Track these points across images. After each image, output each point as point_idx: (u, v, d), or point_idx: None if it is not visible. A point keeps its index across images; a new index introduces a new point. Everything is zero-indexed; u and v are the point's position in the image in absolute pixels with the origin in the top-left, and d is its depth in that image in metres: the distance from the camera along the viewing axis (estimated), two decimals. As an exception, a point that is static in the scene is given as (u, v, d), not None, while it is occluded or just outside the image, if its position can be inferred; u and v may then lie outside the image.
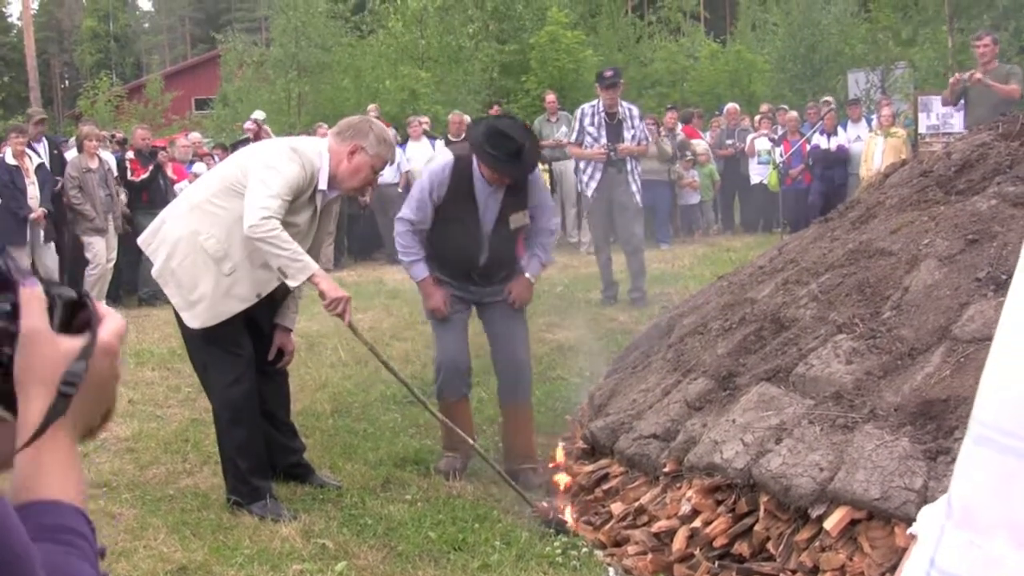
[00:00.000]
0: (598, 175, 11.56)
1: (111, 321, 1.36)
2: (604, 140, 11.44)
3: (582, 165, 11.89)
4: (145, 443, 6.76)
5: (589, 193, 11.75)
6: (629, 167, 11.61)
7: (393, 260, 16.18)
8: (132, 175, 13.83)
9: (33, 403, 1.27)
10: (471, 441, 6.14)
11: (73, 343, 1.30)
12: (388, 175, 15.51)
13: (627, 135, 11.54)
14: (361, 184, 5.76)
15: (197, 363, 5.82)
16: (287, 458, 6.09)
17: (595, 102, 11.66)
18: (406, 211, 6.22)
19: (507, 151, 5.95)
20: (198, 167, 15.19)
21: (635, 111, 11.84)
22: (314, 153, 5.51)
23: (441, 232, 6.25)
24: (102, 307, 1.36)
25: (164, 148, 15.68)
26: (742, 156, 18.89)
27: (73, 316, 1.32)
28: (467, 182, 6.08)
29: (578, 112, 11.96)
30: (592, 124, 11.50)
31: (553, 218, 6.60)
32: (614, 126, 11.53)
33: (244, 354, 5.56)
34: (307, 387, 8.05)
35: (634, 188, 11.69)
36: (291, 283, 5.34)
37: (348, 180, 5.61)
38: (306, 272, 5.34)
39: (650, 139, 12.24)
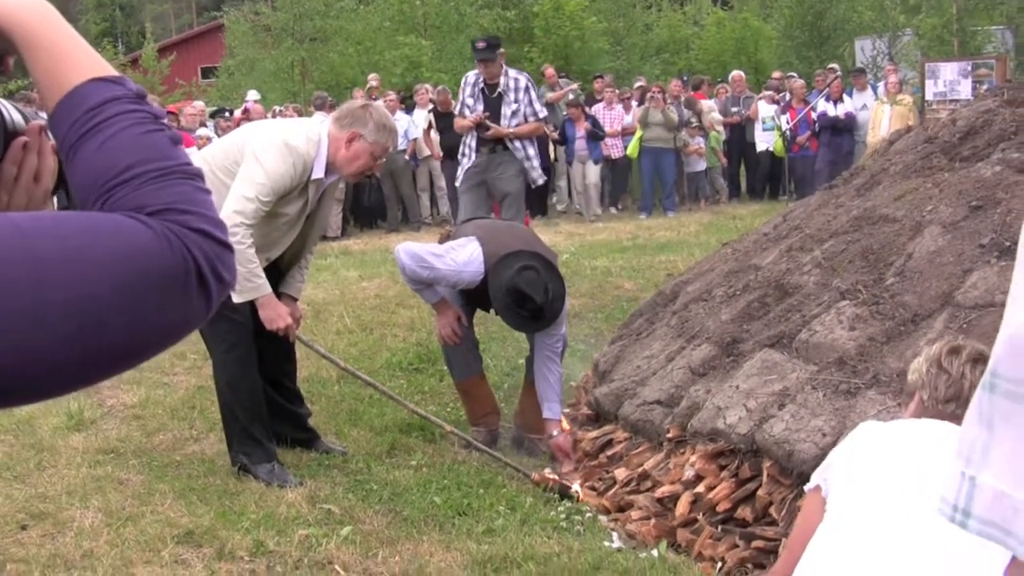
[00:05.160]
0: (473, 155, 9.84)
1: None
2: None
3: (466, 139, 9.99)
4: (152, 410, 6.79)
5: (460, 171, 10.10)
6: (518, 147, 9.76)
7: (395, 229, 16.23)
8: None
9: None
10: (447, 428, 6.21)
11: None
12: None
13: (506, 111, 9.71)
14: (360, 170, 5.70)
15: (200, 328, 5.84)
16: (294, 422, 6.13)
17: (478, 70, 9.95)
18: (423, 271, 6.09)
19: (528, 311, 6.01)
20: (201, 131, 15.19)
21: (522, 82, 9.86)
22: (310, 144, 5.46)
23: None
24: None
25: (175, 114, 15.69)
26: (748, 124, 18.84)
27: None
28: (487, 294, 6.14)
29: (463, 80, 10.35)
30: (471, 95, 9.87)
31: (559, 336, 6.39)
32: (493, 100, 9.81)
33: (242, 320, 5.56)
34: (312, 354, 8.04)
35: (512, 172, 9.76)
36: (236, 298, 5.40)
37: (346, 167, 5.58)
38: (254, 294, 5.44)
39: (541, 114, 10.06)
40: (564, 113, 17.65)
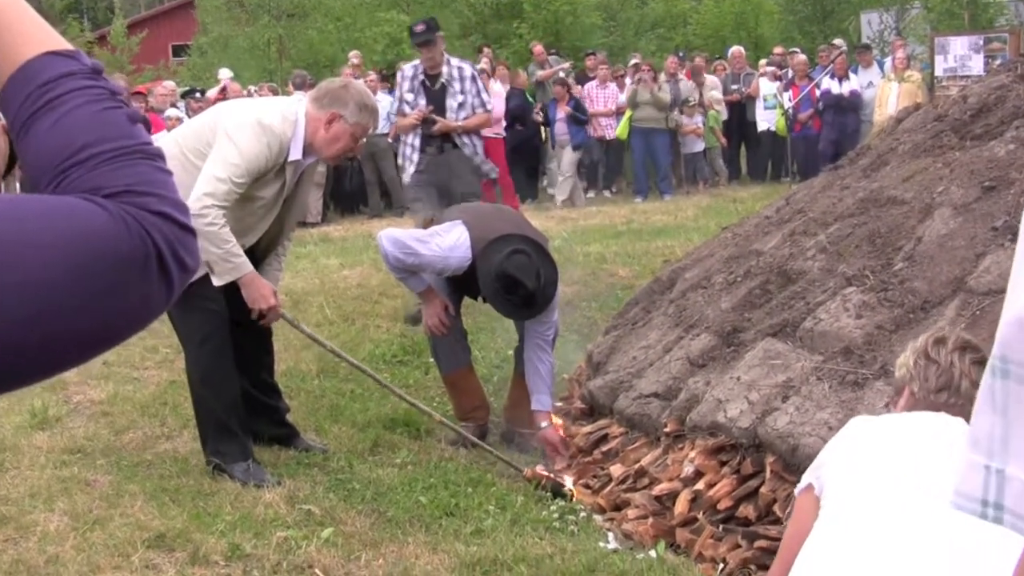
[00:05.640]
0: (415, 156, 9.26)
1: None
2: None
3: (407, 139, 9.42)
4: (121, 406, 6.76)
5: (406, 178, 9.64)
6: (467, 143, 9.22)
7: (378, 215, 16.20)
8: None
9: None
10: (437, 417, 6.22)
11: None
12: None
13: (452, 103, 9.14)
14: (340, 153, 5.69)
15: (172, 319, 5.82)
16: (271, 418, 6.11)
17: (417, 61, 9.46)
18: (407, 258, 6.05)
19: (519, 297, 6.01)
20: (171, 112, 15.12)
21: (467, 71, 9.35)
22: (286, 124, 5.43)
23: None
24: None
25: (144, 95, 15.61)
26: (748, 102, 18.83)
27: None
28: (475, 281, 6.13)
29: (399, 74, 9.97)
30: (410, 90, 9.28)
31: (551, 324, 6.39)
32: (436, 92, 9.19)
33: (217, 310, 5.53)
34: (292, 347, 8.04)
35: (467, 171, 9.19)
36: (216, 280, 5.39)
37: (326, 149, 5.56)
38: (234, 274, 5.40)
39: (489, 106, 9.53)
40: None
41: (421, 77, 9.24)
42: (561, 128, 17.19)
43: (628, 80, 18.21)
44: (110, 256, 1.14)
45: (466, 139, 9.20)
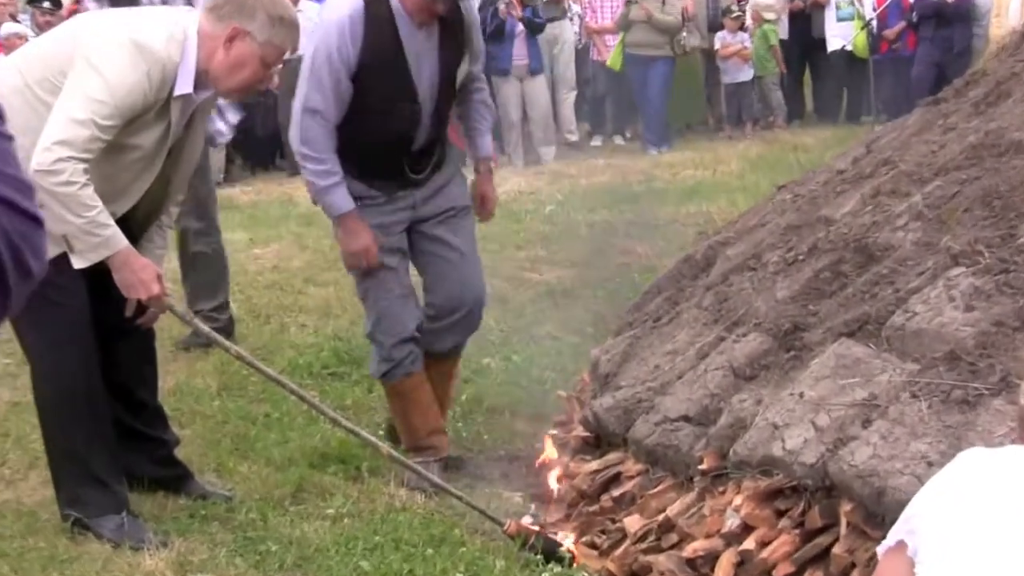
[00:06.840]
0: None
1: None
2: None
3: None
4: (-55, 439, 6.76)
5: None
6: None
7: (299, 172, 16.15)
8: None
9: None
10: (384, 449, 6.12)
11: None
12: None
13: None
14: (246, 84, 5.62)
15: (14, 319, 5.78)
16: (154, 453, 6.09)
17: None
18: (311, 97, 6.03)
19: None
20: (9, 27, 15.02)
21: None
22: (171, 44, 5.36)
23: (358, 112, 6.16)
24: None
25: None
26: (815, 12, 18.83)
27: None
28: (389, 32, 6.02)
29: None
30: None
31: (482, 62, 6.70)
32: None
33: (77, 305, 5.50)
34: (183, 355, 8.04)
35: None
36: (76, 262, 5.27)
37: (226, 79, 5.49)
38: (103, 251, 5.27)
39: None
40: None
41: None
42: (519, 49, 16.42)
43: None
44: None
45: None
